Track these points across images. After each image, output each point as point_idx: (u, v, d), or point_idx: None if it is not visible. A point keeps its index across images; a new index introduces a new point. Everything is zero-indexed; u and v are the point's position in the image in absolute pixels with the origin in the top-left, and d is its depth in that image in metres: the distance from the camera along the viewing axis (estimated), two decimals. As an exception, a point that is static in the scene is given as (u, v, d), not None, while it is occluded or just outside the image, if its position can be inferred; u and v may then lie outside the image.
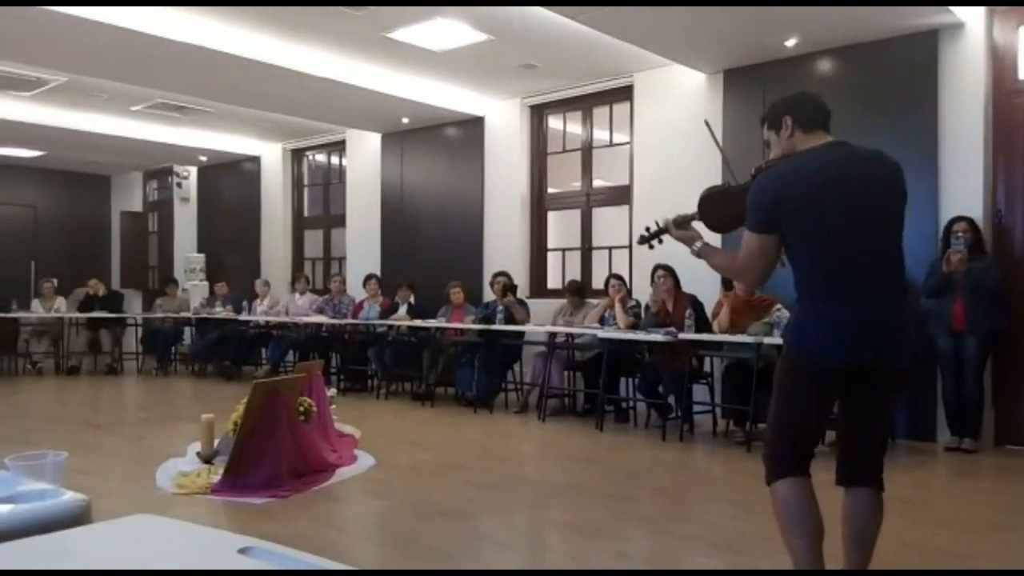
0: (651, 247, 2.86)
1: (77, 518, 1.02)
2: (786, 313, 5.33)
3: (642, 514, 3.96)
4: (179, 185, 11.76)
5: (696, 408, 5.96)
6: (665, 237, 2.77)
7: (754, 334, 5.37)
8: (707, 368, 6.08)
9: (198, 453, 4.77)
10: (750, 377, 5.28)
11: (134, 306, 11.38)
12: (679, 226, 2.65)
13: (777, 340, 4.93)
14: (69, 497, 1.04)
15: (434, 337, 7.52)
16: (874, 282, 2.32)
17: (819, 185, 2.33)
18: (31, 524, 0.99)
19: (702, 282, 6.18)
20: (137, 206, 12.70)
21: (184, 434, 5.48)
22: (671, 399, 5.95)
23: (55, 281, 10.20)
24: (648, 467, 5.07)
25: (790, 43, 5.96)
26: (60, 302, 10.04)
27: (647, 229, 2.80)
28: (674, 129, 6.87)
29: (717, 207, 2.62)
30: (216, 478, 4.25)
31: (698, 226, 2.66)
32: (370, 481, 4.56)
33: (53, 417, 7.04)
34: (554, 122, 8.11)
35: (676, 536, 3.62)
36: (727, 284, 5.82)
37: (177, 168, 11.66)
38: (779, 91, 5.79)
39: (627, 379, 6.41)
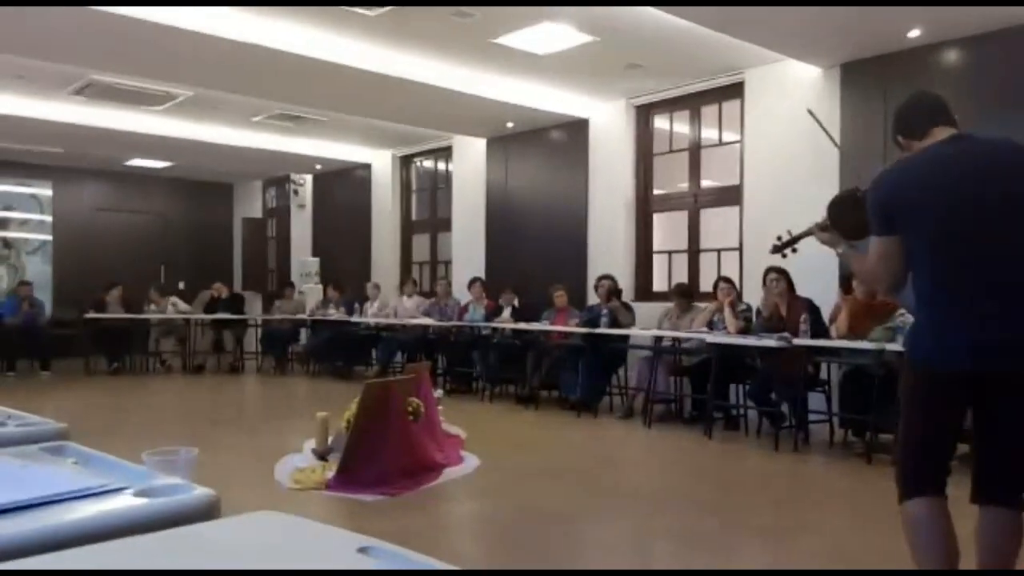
0: (784, 256, 2.85)
1: (206, 512, 1.06)
2: (910, 318, 5.04)
3: (754, 525, 3.83)
4: (295, 192, 12.26)
5: (812, 417, 5.71)
6: (800, 245, 2.77)
7: (875, 340, 5.10)
8: (823, 375, 5.82)
9: (313, 450, 4.93)
10: (871, 385, 5.02)
11: (254, 308, 11.93)
12: (824, 229, 2.64)
13: (900, 347, 4.66)
14: (199, 492, 1.09)
15: (538, 340, 7.53)
16: (1002, 280, 2.15)
17: (932, 182, 2.21)
18: (165, 516, 1.04)
19: (818, 285, 5.93)
20: (257, 213, 13.32)
21: (300, 431, 5.68)
22: (784, 407, 5.73)
23: (181, 285, 10.82)
24: (760, 477, 4.91)
25: (913, 34, 5.64)
26: (168, 302, 10.54)
27: (779, 238, 2.81)
28: (787, 127, 6.63)
29: (846, 213, 2.57)
30: (330, 474, 4.39)
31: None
32: (476, 482, 4.60)
33: (180, 413, 7.47)
34: (660, 122, 7.98)
35: (791, 550, 3.47)
36: (846, 287, 5.57)
37: (294, 176, 12.16)
38: (900, 85, 5.53)
39: (737, 385, 6.22)
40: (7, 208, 11.48)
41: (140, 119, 8.85)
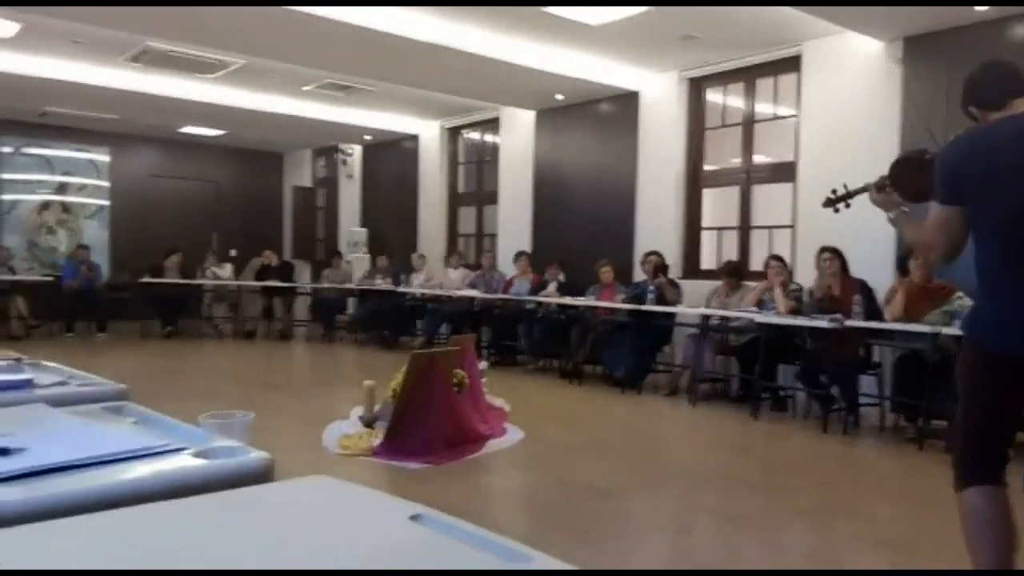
0: (836, 210, 2.71)
1: (261, 475, 1.08)
2: (968, 302, 4.88)
3: (800, 507, 3.79)
4: (344, 162, 12.35)
5: (862, 400, 5.60)
6: (853, 201, 2.61)
7: (931, 323, 4.96)
8: (876, 358, 5.70)
9: (360, 417, 5.01)
10: (925, 369, 4.89)
11: (303, 276, 12.10)
12: (880, 189, 2.47)
13: (956, 331, 4.53)
14: (255, 455, 1.10)
15: (583, 315, 7.50)
16: None
17: (1008, 159, 2.10)
18: (222, 478, 1.06)
19: (872, 266, 5.79)
20: (307, 182, 13.45)
21: (347, 398, 5.76)
22: (834, 389, 5.63)
23: (233, 252, 11.06)
24: (807, 459, 4.84)
25: (981, 7, 5.40)
26: (224, 269, 10.80)
27: (833, 192, 2.67)
28: (846, 101, 6.44)
29: (908, 174, 2.43)
30: (376, 441, 4.45)
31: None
32: (519, 455, 4.63)
33: (232, 377, 7.64)
34: (713, 95, 7.81)
35: (837, 532, 3.43)
36: (903, 269, 5.42)
37: (343, 146, 12.24)
38: (966, 60, 5.30)
39: (786, 366, 6.12)
40: (66, 173, 11.78)
41: (194, 87, 8.96)
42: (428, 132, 11.00)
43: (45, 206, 11.61)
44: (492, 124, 10.17)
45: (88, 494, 0.97)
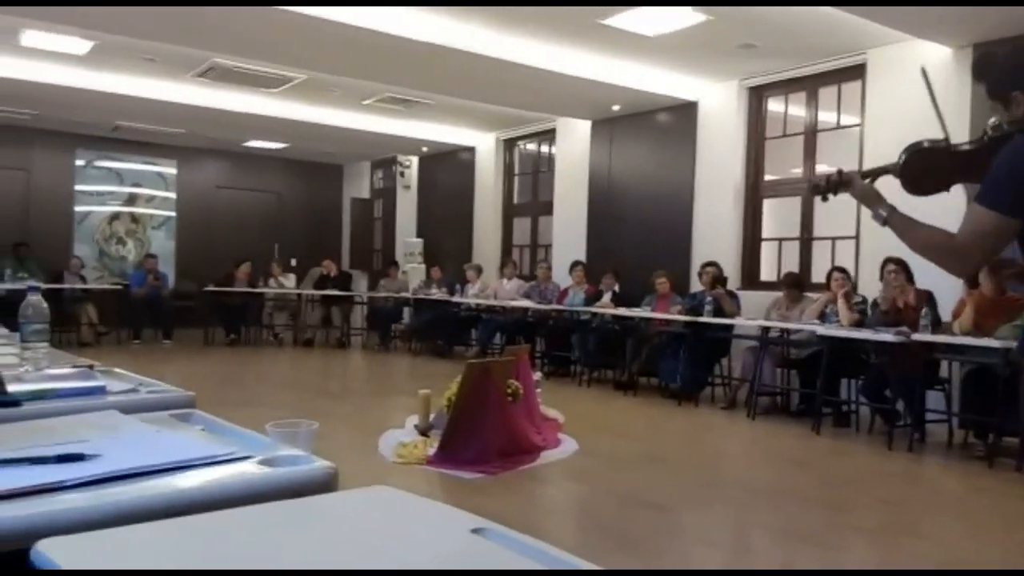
0: (824, 199, 2.36)
1: (325, 484, 1.09)
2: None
3: (862, 525, 3.68)
4: (402, 174, 12.52)
5: (929, 416, 5.43)
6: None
7: (1002, 338, 4.78)
8: (943, 373, 5.51)
9: (416, 426, 5.05)
10: (995, 385, 4.71)
11: (361, 286, 12.29)
12: (865, 178, 2.13)
13: (1032, 346, 4.35)
14: (319, 464, 1.12)
15: (638, 326, 7.45)
16: None
17: None
18: (287, 486, 1.08)
19: (939, 277, 5.59)
20: (365, 193, 13.68)
21: (402, 406, 5.82)
22: (900, 405, 5.46)
23: (292, 261, 11.33)
24: (870, 476, 4.70)
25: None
26: (289, 279, 11.09)
27: (826, 178, 2.28)
28: (912, 110, 6.24)
29: (928, 161, 2.12)
30: (432, 451, 4.48)
31: (884, 183, 2.14)
32: (573, 466, 4.60)
33: (291, 385, 7.80)
34: (774, 105, 7.69)
35: (900, 552, 3.32)
36: (972, 281, 5.23)
37: (400, 158, 12.41)
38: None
39: (849, 380, 5.97)
40: (135, 185, 12.22)
41: (257, 101, 9.20)
42: (484, 143, 11.08)
43: (115, 217, 12.06)
44: (548, 135, 10.19)
45: (159, 500, 1.00)
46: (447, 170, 11.78)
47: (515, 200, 11.09)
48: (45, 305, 1.98)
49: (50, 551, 0.81)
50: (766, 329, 6.40)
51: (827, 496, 4.17)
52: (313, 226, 13.56)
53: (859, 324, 5.78)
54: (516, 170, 11.08)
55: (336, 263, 11.71)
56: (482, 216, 11.12)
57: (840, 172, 2.15)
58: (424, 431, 4.92)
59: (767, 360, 6.33)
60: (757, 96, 7.72)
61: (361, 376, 8.98)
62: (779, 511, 3.87)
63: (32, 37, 6.89)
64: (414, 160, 12.41)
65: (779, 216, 7.79)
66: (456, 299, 9.82)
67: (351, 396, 7.16)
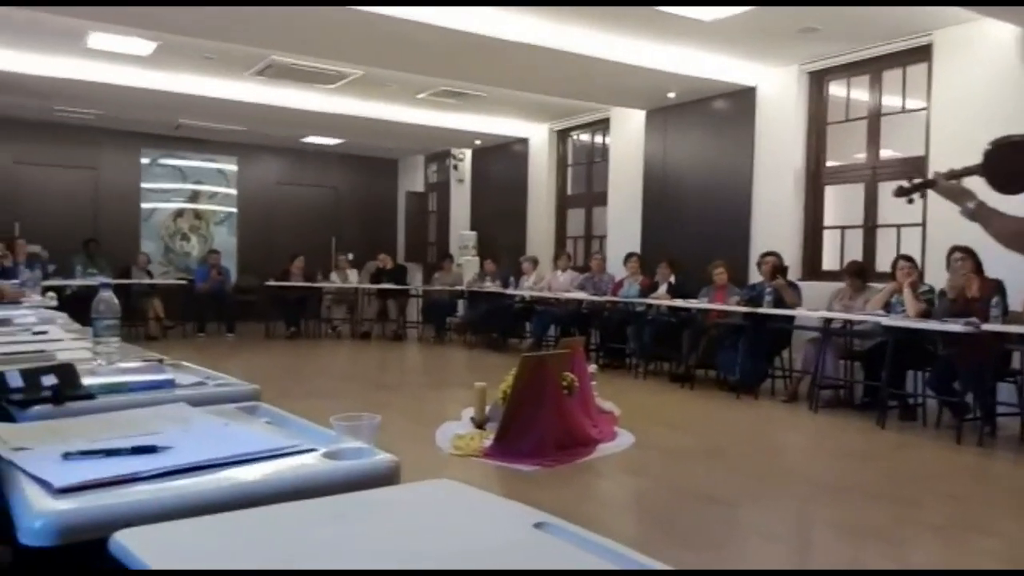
0: (910, 201, 2.36)
1: (388, 477, 1.11)
2: None
3: (929, 521, 3.58)
4: (455, 167, 12.58)
5: (1000, 409, 5.23)
6: (933, 192, 2.25)
7: (1081, 328, 4.58)
8: (1015, 364, 5.30)
9: (472, 418, 5.08)
10: (1074, 378, 4.52)
11: (416, 279, 12.41)
12: (950, 178, 2.13)
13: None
14: (382, 457, 1.13)
15: (695, 318, 7.35)
16: None
17: None
18: (351, 478, 1.09)
19: (1009, 265, 5.38)
20: (419, 187, 13.79)
21: (457, 399, 5.87)
22: (969, 397, 5.28)
23: (351, 256, 11.53)
24: (938, 471, 4.56)
25: None
26: (353, 274, 11.32)
27: (908, 179, 2.33)
28: (981, 92, 6.03)
29: (1014, 158, 2.07)
30: (488, 443, 4.51)
31: (972, 183, 2.11)
32: (630, 459, 4.58)
33: (349, 377, 7.93)
34: (836, 89, 7.48)
35: (969, 549, 3.22)
36: (1048, 269, 5.02)
37: (454, 151, 12.48)
38: None
39: (915, 372, 5.79)
40: (198, 182, 12.54)
41: (315, 98, 9.34)
42: (537, 135, 11.05)
43: (179, 213, 12.40)
44: (602, 125, 10.12)
45: (230, 492, 1.02)
46: (500, 162, 11.79)
47: (568, 191, 11.04)
48: (116, 301, 2.04)
49: (127, 541, 0.83)
50: (828, 320, 6.24)
51: (893, 491, 4.06)
52: (369, 220, 13.73)
53: (926, 314, 5.59)
54: (570, 161, 11.03)
55: (391, 256, 11.84)
56: (535, 208, 11.11)
57: (925, 177, 2.15)
58: (480, 423, 4.95)
59: (830, 352, 6.18)
60: (818, 80, 7.52)
61: (417, 368, 9.07)
62: (843, 506, 3.79)
63: (98, 39, 7.12)
64: (467, 153, 12.45)
65: (842, 203, 7.59)
66: (510, 291, 9.84)
67: (407, 388, 7.24)
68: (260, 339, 10.33)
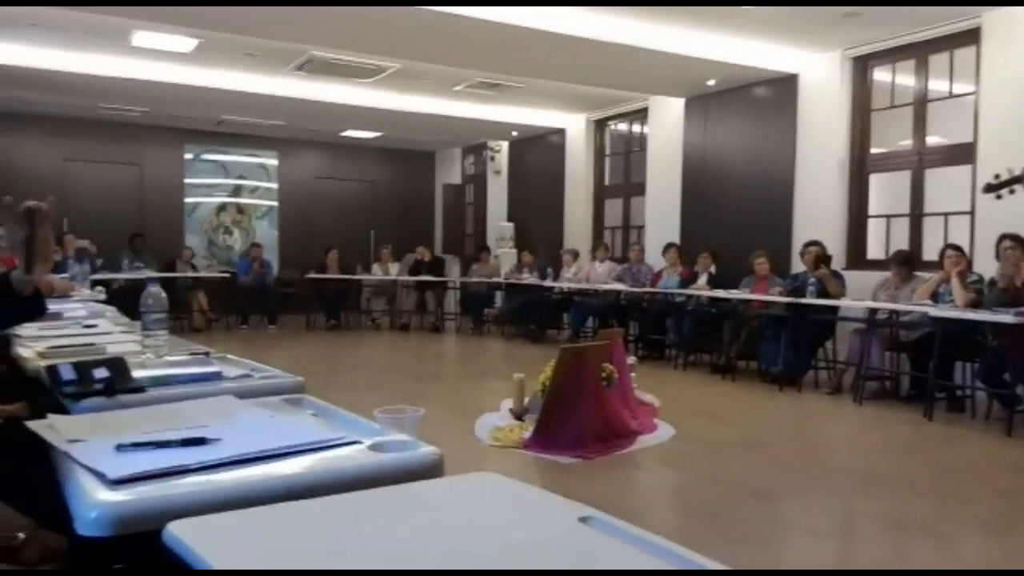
0: (999, 196, 2.36)
1: (432, 470, 1.11)
2: None
3: (978, 516, 3.49)
4: (492, 159, 12.59)
5: (1054, 402, 5.09)
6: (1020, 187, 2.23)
7: None
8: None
9: (511, 409, 5.09)
10: None
11: (453, 271, 12.46)
12: None
13: None
14: (426, 450, 1.14)
15: (736, 309, 7.26)
16: None
17: None
18: (395, 471, 1.10)
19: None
20: (456, 179, 13.82)
21: (496, 390, 5.88)
22: (1020, 389, 5.14)
23: (390, 248, 11.62)
24: (987, 464, 4.45)
25: None
26: (395, 267, 11.41)
27: (996, 176, 2.32)
28: (1035, 74, 5.85)
29: None
30: (527, 434, 4.51)
31: None
32: (671, 452, 4.54)
33: (389, 368, 7.99)
34: (880, 74, 7.31)
35: (1017, 546, 3.13)
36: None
37: (491, 143, 12.47)
38: None
39: (964, 364, 5.66)
40: (240, 177, 12.73)
41: (353, 92, 9.41)
42: (574, 125, 11.00)
43: (222, 208, 12.60)
44: (640, 114, 10.03)
45: (278, 484, 1.04)
46: (537, 153, 11.76)
47: (606, 181, 10.97)
48: (164, 296, 2.09)
49: (181, 532, 0.85)
50: (874, 310, 6.12)
51: (940, 485, 3.97)
52: (406, 213, 13.81)
53: (975, 304, 5.45)
54: (607, 151, 10.95)
55: (429, 249, 11.90)
56: (573, 198, 11.06)
57: (1011, 171, 2.14)
58: (519, 415, 4.96)
59: (875, 343, 6.06)
60: (862, 66, 7.36)
61: (455, 360, 9.11)
62: (889, 500, 3.72)
63: (142, 37, 7.25)
64: (504, 145, 12.44)
65: (887, 191, 7.43)
66: (548, 283, 9.83)
67: (446, 379, 7.28)
68: (301, 331, 10.47)
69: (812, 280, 6.59)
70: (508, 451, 4.39)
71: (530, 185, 11.90)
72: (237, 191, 12.72)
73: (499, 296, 11.03)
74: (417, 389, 6.44)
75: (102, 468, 1.04)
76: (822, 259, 6.65)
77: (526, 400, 5.01)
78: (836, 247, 7.19)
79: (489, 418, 5.06)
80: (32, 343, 2.29)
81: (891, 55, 7.10)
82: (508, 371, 5.48)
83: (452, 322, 11.15)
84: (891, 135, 7.34)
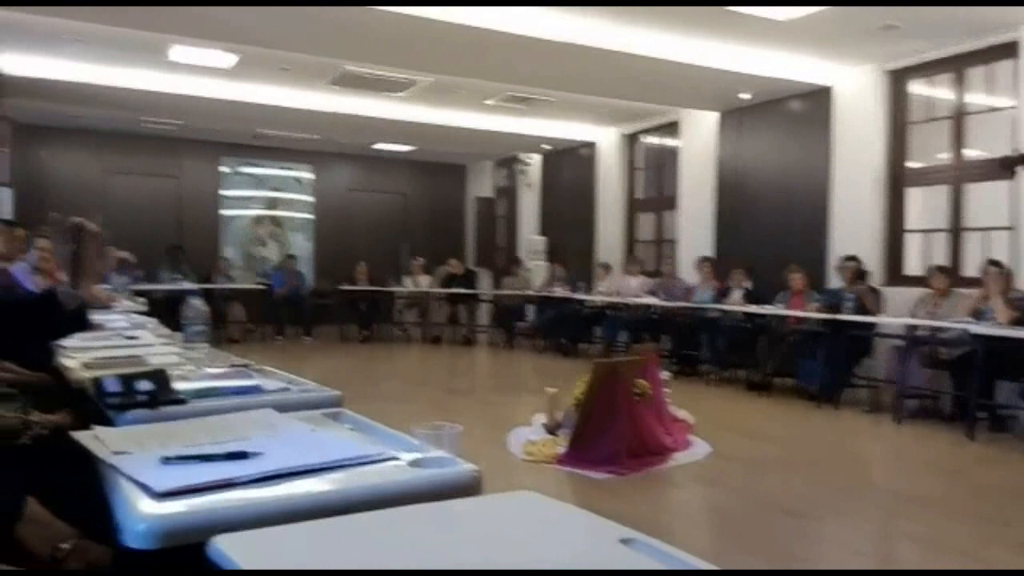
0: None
1: (470, 487, 1.11)
2: None
3: (1019, 540, 3.40)
4: (523, 172, 12.61)
5: (1102, 423, 4.95)
6: None
7: None
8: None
9: (543, 424, 5.06)
10: None
11: (485, 284, 12.48)
12: None
13: None
14: (465, 467, 1.14)
15: (771, 324, 7.17)
16: None
17: None
18: (434, 487, 1.10)
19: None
20: (488, 192, 13.87)
21: (528, 404, 5.86)
22: (1066, 409, 5.01)
23: (422, 260, 11.68)
24: (1032, 486, 4.34)
25: None
26: (426, 279, 11.47)
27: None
28: (1079, 87, 5.72)
29: None
30: (561, 449, 4.49)
31: None
32: (706, 469, 4.49)
33: (421, 381, 8.02)
34: (917, 87, 7.21)
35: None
36: None
37: (522, 156, 12.50)
38: None
39: (1008, 383, 5.52)
40: (275, 190, 12.90)
41: (385, 106, 9.50)
42: (606, 139, 10.99)
43: (258, 220, 12.77)
44: (672, 128, 9.99)
45: (320, 499, 1.04)
46: (568, 166, 11.76)
47: (638, 195, 10.93)
48: (205, 308, 2.12)
49: (226, 547, 0.86)
50: (913, 327, 6.01)
51: (981, 508, 3.87)
52: (438, 225, 13.87)
53: (1018, 322, 5.33)
54: (639, 164, 10.92)
55: (461, 262, 11.94)
56: (605, 212, 11.04)
57: None
58: (552, 430, 4.93)
59: (914, 360, 5.94)
60: (898, 79, 7.26)
61: (487, 373, 9.12)
62: (928, 522, 3.63)
63: (180, 52, 7.39)
64: (536, 158, 12.46)
65: (925, 206, 7.30)
66: (580, 296, 9.80)
67: (478, 393, 7.28)
68: (335, 342, 10.55)
69: (850, 296, 6.50)
70: (541, 466, 4.37)
71: (562, 198, 11.90)
72: (273, 203, 12.88)
73: (531, 309, 11.02)
74: (450, 402, 6.45)
75: (148, 481, 1.06)
76: (859, 274, 6.56)
77: (559, 415, 4.99)
78: (873, 262, 7.08)
79: (522, 432, 5.03)
80: (76, 354, 2.34)
81: (928, 68, 7.00)
82: (540, 385, 5.46)
83: (483, 335, 11.16)
84: (929, 149, 7.22)
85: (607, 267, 10.00)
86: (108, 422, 1.54)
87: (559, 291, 10.12)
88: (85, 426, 1.50)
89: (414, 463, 1.18)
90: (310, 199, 13.13)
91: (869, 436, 5.67)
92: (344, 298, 11.02)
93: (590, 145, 11.20)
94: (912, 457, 5.09)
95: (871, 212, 7.34)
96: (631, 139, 10.84)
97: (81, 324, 1.58)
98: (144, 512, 0.97)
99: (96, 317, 3.52)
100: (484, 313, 11.34)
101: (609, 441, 4.36)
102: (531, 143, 11.55)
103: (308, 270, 12.35)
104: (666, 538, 0.91)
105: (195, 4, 5.71)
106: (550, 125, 10.63)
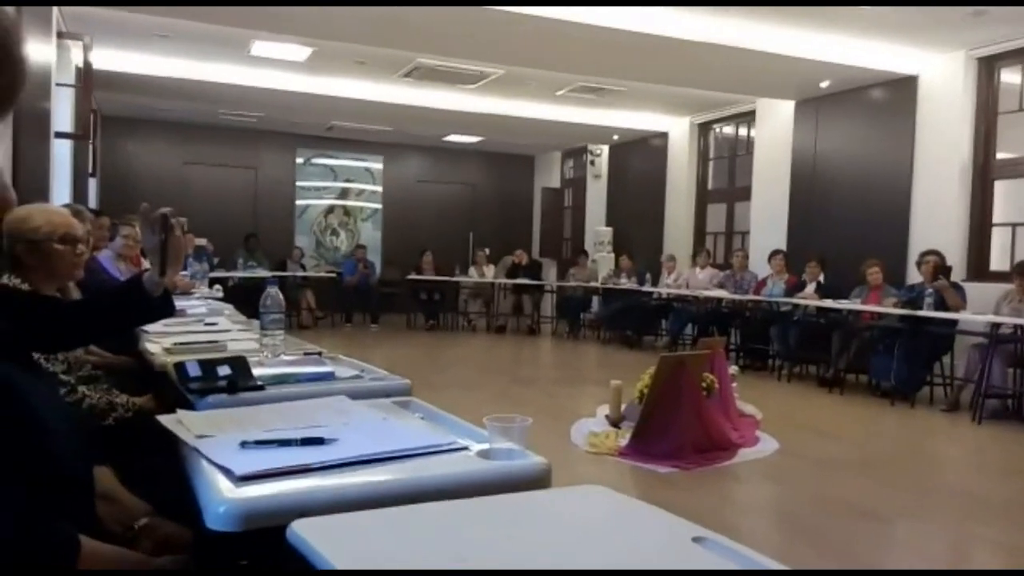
0: None
1: (540, 480, 1.12)
2: None
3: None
4: (592, 163, 12.54)
5: None
6: None
7: None
8: None
9: (607, 416, 5.05)
10: None
11: (550, 274, 12.48)
12: None
13: None
14: (535, 460, 1.15)
15: (846, 319, 6.97)
16: None
17: None
18: (503, 479, 1.11)
19: None
20: (555, 183, 13.84)
21: (592, 396, 5.84)
22: None
23: (487, 251, 11.75)
24: None
25: None
26: (490, 269, 11.54)
27: None
28: None
29: None
30: (624, 442, 4.47)
31: None
32: (773, 466, 4.41)
33: (485, 370, 8.07)
34: (1009, 76, 6.88)
35: None
36: None
37: (591, 147, 12.42)
38: None
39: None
40: (347, 180, 13.15)
41: (457, 98, 9.56)
42: (677, 129, 10.83)
43: (330, 210, 13.05)
44: (746, 117, 9.78)
45: (393, 487, 1.07)
46: (638, 157, 11.63)
47: (709, 186, 10.74)
48: (281, 297, 2.18)
49: (304, 531, 0.88)
50: (996, 325, 5.77)
51: (1071, 515, 3.70)
52: (505, 216, 13.92)
53: (1115, 322, 5.06)
54: (711, 154, 10.73)
55: (527, 252, 11.96)
56: (674, 203, 10.89)
57: None
58: (615, 422, 4.91)
59: (996, 359, 5.70)
60: (988, 67, 6.94)
61: (551, 364, 9.12)
62: (1006, 526, 3.49)
63: (261, 47, 7.59)
64: (604, 149, 12.37)
65: (1014, 199, 6.98)
66: (646, 288, 9.70)
67: (542, 383, 7.29)
68: (401, 330, 10.72)
69: (930, 291, 6.26)
70: (604, 458, 4.36)
71: (630, 189, 11.78)
72: (344, 194, 13.13)
73: (596, 301, 10.97)
74: (514, 391, 6.48)
75: (229, 464, 1.10)
76: (941, 269, 6.31)
77: (623, 407, 4.97)
78: (956, 257, 6.81)
79: (585, 424, 5.03)
80: (158, 339, 2.44)
81: (1020, 55, 6.67)
82: (604, 376, 5.44)
83: (548, 325, 11.17)
84: (1020, 140, 6.89)
85: (674, 259, 9.87)
86: (188, 405, 1.61)
87: (625, 283, 10.04)
88: (167, 409, 1.56)
89: (483, 453, 1.19)
90: (380, 189, 13.33)
91: (946, 436, 5.47)
92: (411, 287, 11.18)
93: (661, 135, 11.05)
94: (991, 459, 4.89)
95: (956, 205, 7.05)
96: (704, 128, 10.65)
97: (166, 310, 1.64)
98: (225, 495, 1.01)
99: (177, 303, 3.67)
100: (549, 304, 11.34)
101: (673, 435, 4.32)
102: (601, 134, 11.46)
103: (376, 259, 12.56)
104: (731, 535, 0.90)
105: (281, 4, 5.86)
106: (621, 115, 10.52)
